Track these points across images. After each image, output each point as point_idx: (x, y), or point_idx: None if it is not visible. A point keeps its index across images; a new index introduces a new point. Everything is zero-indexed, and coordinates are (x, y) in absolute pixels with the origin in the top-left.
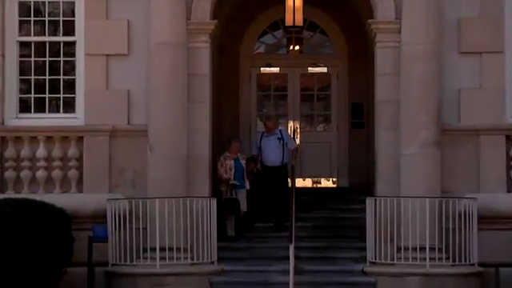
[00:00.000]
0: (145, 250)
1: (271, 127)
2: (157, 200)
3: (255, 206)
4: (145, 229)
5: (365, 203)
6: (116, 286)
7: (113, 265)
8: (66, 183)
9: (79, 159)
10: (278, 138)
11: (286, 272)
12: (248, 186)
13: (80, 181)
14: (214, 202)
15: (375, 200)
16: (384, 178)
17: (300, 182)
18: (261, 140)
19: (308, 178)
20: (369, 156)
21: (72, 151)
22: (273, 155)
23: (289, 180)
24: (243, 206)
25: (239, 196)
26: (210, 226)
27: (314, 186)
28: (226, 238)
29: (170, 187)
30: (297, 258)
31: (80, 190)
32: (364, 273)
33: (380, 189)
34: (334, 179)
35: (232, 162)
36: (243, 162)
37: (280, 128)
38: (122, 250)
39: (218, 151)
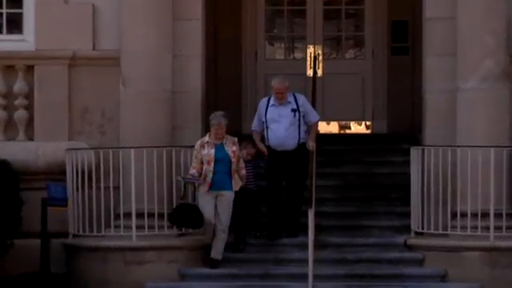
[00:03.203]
0: (117, 217)
1: (281, 91)
2: (132, 150)
3: (253, 215)
4: (117, 188)
5: (408, 154)
6: (79, 263)
7: (74, 236)
8: (11, 128)
9: (29, 96)
10: (293, 110)
11: (304, 246)
12: (236, 187)
13: (30, 125)
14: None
15: (423, 150)
16: (435, 122)
17: (323, 127)
18: (266, 111)
19: (333, 121)
20: (414, 92)
21: (19, 85)
22: (285, 135)
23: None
24: (224, 219)
25: (221, 203)
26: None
27: (342, 132)
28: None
29: (150, 133)
30: (318, 227)
31: (30, 137)
32: (407, 246)
33: (429, 135)
34: (368, 123)
35: (212, 150)
36: (231, 150)
37: (294, 93)
38: (86, 217)
39: (214, 87)
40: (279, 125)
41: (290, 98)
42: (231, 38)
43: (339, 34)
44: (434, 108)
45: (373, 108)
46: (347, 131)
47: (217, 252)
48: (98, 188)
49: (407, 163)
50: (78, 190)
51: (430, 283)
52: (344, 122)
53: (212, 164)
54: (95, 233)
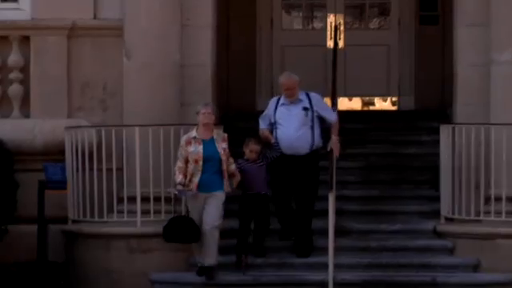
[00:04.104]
0: (120, 201)
1: (290, 87)
2: (137, 128)
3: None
4: (120, 170)
5: (438, 133)
6: (79, 251)
7: (74, 221)
8: (5, 104)
9: (24, 69)
10: (305, 109)
11: (324, 233)
12: (228, 188)
13: (26, 101)
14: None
15: (453, 128)
16: (466, 97)
17: (344, 104)
18: (275, 111)
19: (356, 97)
20: (444, 65)
21: (14, 57)
22: (296, 136)
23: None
24: (211, 217)
25: (210, 203)
26: None
27: (365, 108)
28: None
29: (156, 110)
30: (339, 212)
31: (26, 114)
32: (436, 233)
33: (460, 112)
34: (394, 99)
35: (200, 147)
36: (221, 147)
37: (307, 92)
38: (86, 201)
39: (226, 59)
40: (289, 125)
41: (302, 96)
42: (244, 7)
43: (362, 1)
44: (466, 82)
45: (399, 83)
46: (371, 108)
47: (212, 257)
48: (100, 169)
49: (436, 143)
50: (78, 171)
51: (461, 273)
52: (367, 98)
53: (200, 163)
54: (97, 218)
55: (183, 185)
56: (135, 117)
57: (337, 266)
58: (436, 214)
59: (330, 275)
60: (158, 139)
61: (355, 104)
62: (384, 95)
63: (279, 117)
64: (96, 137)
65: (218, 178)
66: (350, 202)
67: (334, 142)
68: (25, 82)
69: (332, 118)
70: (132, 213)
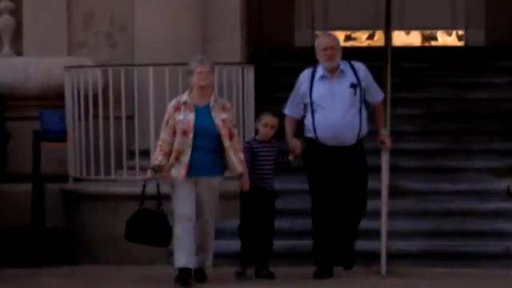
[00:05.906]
0: (131, 156)
1: (331, 45)
2: (150, 68)
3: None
4: (130, 118)
5: None
6: (82, 215)
7: (76, 180)
8: None
9: None
10: (353, 85)
11: (376, 194)
12: (241, 168)
13: (18, 35)
14: (251, 71)
15: None
16: None
17: (401, 38)
18: (312, 88)
19: (415, 30)
20: None
21: None
22: (343, 123)
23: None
24: (209, 209)
25: (205, 193)
26: (242, 114)
27: (426, 44)
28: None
29: (174, 46)
30: (394, 169)
31: (18, 52)
32: (511, 195)
33: None
34: (461, 33)
35: (191, 116)
36: (219, 118)
37: (350, 61)
38: (91, 155)
39: None
40: (333, 107)
41: (344, 67)
42: None
43: None
44: None
45: (466, 13)
46: (433, 43)
47: (209, 258)
48: (107, 117)
49: (511, 85)
50: (80, 119)
51: None
52: (429, 32)
53: (190, 136)
54: (103, 176)
55: (156, 170)
56: (148, 54)
57: (391, 234)
58: (510, 172)
59: (383, 244)
60: (176, 81)
61: (414, 39)
62: (448, 28)
63: (318, 95)
64: (102, 78)
65: (214, 158)
66: (407, 157)
67: (384, 136)
68: (17, 13)
69: (378, 97)
70: (145, 170)
